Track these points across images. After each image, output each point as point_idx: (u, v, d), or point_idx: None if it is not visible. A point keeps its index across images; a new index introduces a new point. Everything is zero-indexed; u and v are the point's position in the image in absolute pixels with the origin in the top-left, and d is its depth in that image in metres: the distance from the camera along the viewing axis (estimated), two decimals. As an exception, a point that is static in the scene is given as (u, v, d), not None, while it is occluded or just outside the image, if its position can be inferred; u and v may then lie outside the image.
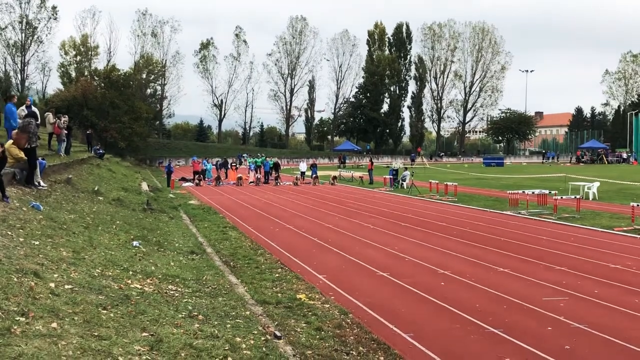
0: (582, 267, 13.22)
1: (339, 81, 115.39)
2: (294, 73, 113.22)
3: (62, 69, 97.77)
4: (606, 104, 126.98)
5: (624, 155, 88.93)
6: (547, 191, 25.49)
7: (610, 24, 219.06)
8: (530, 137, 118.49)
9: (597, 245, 16.29)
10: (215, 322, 7.57)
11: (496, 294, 10.84)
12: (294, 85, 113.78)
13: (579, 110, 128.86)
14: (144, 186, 32.59)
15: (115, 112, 65.10)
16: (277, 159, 51.29)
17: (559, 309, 9.81)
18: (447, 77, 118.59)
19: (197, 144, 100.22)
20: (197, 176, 43.07)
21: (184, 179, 45.27)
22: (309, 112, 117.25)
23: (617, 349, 7.97)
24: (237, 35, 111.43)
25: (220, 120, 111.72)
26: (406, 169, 42.09)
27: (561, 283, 11.68)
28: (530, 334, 8.56)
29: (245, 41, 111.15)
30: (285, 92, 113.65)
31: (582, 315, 9.48)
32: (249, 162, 52.25)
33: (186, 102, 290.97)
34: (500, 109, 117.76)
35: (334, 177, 45.06)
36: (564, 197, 25.07)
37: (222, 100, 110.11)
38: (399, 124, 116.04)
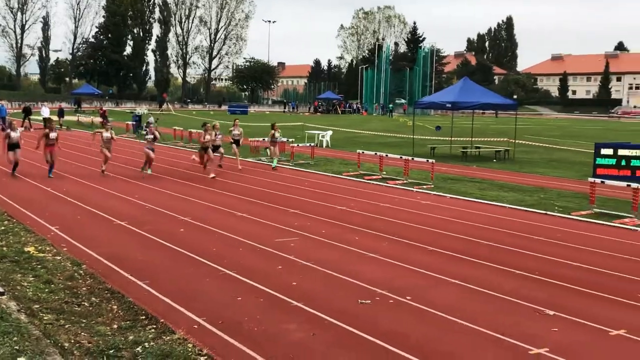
0: (314, 209, 14.24)
1: (77, 19, 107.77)
2: (25, 8, 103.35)
3: None
4: (341, 58, 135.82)
5: (355, 106, 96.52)
6: (285, 139, 26.75)
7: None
8: (273, 86, 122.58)
9: (327, 189, 17.64)
10: None
11: (233, 238, 11.26)
12: (25, 21, 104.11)
13: (317, 63, 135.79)
14: None
15: None
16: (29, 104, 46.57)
17: (290, 249, 10.52)
18: (193, 22, 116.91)
19: None
20: None
21: None
22: (43, 51, 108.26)
23: (337, 282, 8.81)
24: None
25: None
26: (151, 115, 41.06)
27: (293, 225, 12.49)
28: (262, 273, 9.07)
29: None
30: (15, 28, 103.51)
31: (310, 253, 10.28)
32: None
33: None
34: (245, 58, 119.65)
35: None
36: (300, 144, 26.60)
37: None
38: (144, 68, 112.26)
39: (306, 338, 6.71)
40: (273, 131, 22.49)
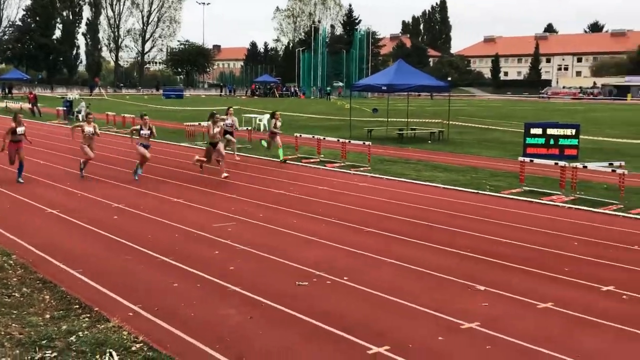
0: (252, 194, 14.21)
1: (2, 2, 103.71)
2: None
3: None
4: (277, 40, 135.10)
5: (293, 89, 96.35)
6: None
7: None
8: (208, 70, 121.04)
9: (265, 173, 17.62)
10: None
11: (169, 224, 11.15)
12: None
13: (253, 45, 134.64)
14: None
15: None
16: None
17: (227, 234, 10.49)
18: (124, 4, 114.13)
19: None
20: None
21: None
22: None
23: (275, 265, 8.86)
24: None
25: None
26: (82, 100, 39.99)
27: (230, 210, 12.45)
28: (199, 259, 9.03)
29: None
30: None
31: (247, 238, 10.27)
32: None
33: None
34: (179, 41, 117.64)
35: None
36: (238, 128, 26.37)
37: None
38: (74, 52, 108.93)
39: (243, 322, 6.73)
40: (274, 120, 19.93)
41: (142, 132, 15.93)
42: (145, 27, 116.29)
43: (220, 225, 11.09)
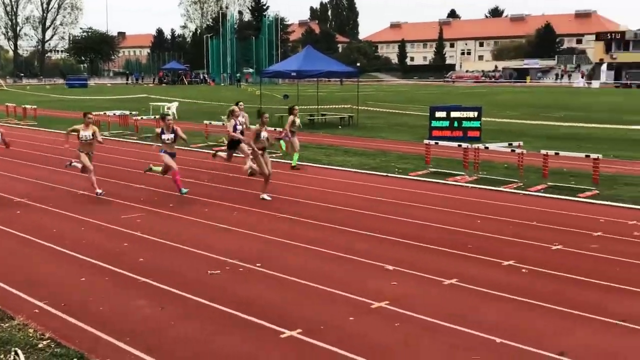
0: (160, 182, 13.89)
1: None
2: None
3: None
4: (184, 27, 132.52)
5: (202, 77, 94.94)
6: (128, 112, 25.91)
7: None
8: (113, 57, 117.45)
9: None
10: None
11: (74, 217, 10.84)
12: None
13: (160, 32, 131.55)
14: None
15: None
16: None
17: (136, 225, 10.30)
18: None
19: None
20: None
21: None
22: None
23: (186, 255, 8.79)
24: None
25: None
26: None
27: (139, 200, 12.22)
28: (107, 252, 8.83)
29: None
30: None
31: (157, 228, 10.12)
32: None
33: None
34: (82, 28, 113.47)
35: None
36: (144, 117, 25.84)
37: None
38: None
39: (155, 313, 6.67)
40: (292, 117, 16.14)
41: (163, 136, 12.58)
42: (45, 14, 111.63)
43: (129, 217, 10.87)
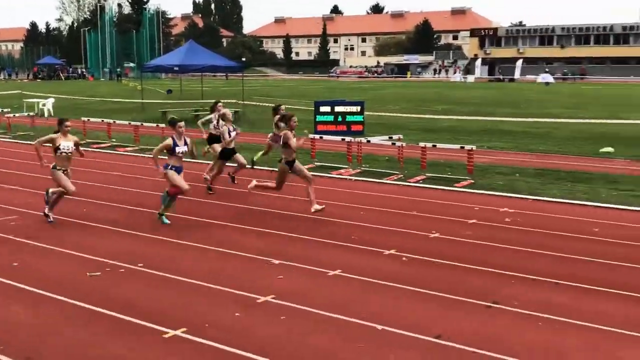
0: (36, 183, 13.16)
1: None
2: None
3: None
4: (60, 20, 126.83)
5: (80, 71, 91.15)
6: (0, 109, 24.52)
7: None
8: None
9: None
10: None
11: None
12: None
13: (33, 25, 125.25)
14: None
15: None
16: None
17: (10, 228, 9.79)
18: None
19: None
20: None
21: None
22: None
23: (63, 257, 8.45)
24: None
25: None
26: None
27: (13, 202, 11.59)
28: (-23, 258, 8.36)
29: None
30: None
31: (33, 231, 9.67)
32: None
33: None
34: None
35: None
36: (17, 114, 24.54)
37: None
38: None
39: (29, 318, 6.38)
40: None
41: (177, 149, 10.14)
42: None
43: (2, 219, 10.31)
